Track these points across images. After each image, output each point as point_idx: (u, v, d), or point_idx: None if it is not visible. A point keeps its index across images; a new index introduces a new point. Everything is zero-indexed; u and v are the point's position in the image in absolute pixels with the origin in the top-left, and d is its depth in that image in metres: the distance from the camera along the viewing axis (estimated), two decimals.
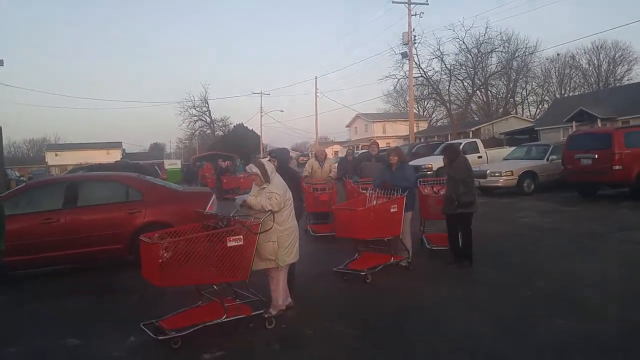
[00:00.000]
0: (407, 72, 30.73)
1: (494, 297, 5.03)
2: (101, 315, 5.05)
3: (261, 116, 51.14)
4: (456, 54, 38.63)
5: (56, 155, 64.16)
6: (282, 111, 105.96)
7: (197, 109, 59.52)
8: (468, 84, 41.06)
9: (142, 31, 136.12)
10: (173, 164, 35.11)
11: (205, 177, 21.69)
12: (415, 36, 28.30)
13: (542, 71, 46.15)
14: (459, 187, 5.97)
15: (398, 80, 36.47)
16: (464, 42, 36.97)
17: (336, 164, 11.58)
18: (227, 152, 28.81)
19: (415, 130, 33.08)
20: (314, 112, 43.95)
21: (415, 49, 30.01)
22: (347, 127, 65.30)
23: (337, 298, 5.26)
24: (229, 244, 4.18)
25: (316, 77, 43.94)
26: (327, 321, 4.55)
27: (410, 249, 6.21)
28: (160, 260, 3.94)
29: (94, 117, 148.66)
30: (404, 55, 29.62)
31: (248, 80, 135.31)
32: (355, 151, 14.99)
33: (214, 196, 7.68)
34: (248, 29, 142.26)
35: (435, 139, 34.74)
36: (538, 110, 47.30)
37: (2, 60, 27.51)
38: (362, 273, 5.64)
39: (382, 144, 21.66)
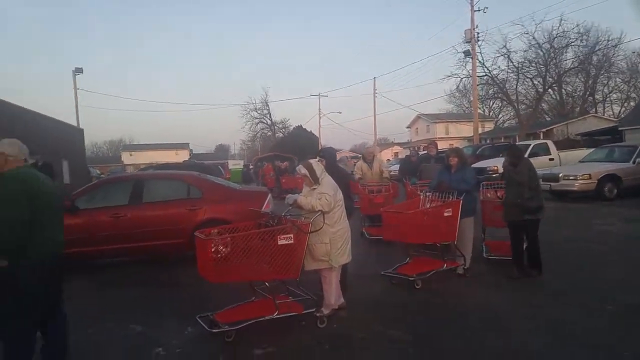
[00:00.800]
0: (470, 71, 29.61)
1: (567, 311, 4.62)
2: (162, 305, 5.32)
3: (319, 118, 51.52)
4: (525, 51, 35.82)
5: (130, 155, 68.53)
6: (340, 112, 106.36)
7: (259, 112, 61.17)
8: (538, 82, 38.10)
9: (211, 36, 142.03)
10: (236, 165, 36.40)
11: (265, 177, 22.20)
12: (478, 33, 27.10)
13: (627, 66, 41.24)
14: (524, 192, 5.58)
15: (461, 80, 34.94)
16: (534, 38, 34.36)
17: (394, 165, 11.41)
18: (286, 153, 29.33)
19: (480, 131, 31.80)
20: (373, 113, 43.55)
21: (479, 46, 28.86)
22: (407, 128, 64.16)
23: (389, 302, 5.15)
24: (279, 242, 4.23)
25: (374, 78, 43.53)
26: (379, 325, 4.46)
27: (468, 256, 5.95)
28: (217, 255, 4.07)
29: (165, 119, 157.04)
30: (467, 53, 28.56)
31: (307, 82, 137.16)
32: (419, 152, 14.62)
33: (269, 195, 7.83)
34: (306, 31, 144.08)
35: (502, 140, 33.16)
36: (623, 109, 42.89)
37: (81, 68, 30.03)
38: (411, 278, 5.49)
39: (444, 145, 21.03)
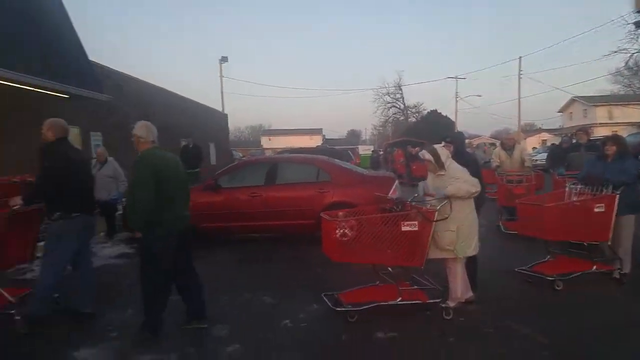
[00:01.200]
0: None
1: None
2: (290, 281, 5.61)
3: (456, 101, 49.08)
4: None
5: (269, 139, 73.49)
6: (480, 96, 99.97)
7: (391, 96, 60.60)
8: None
9: (346, 21, 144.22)
10: (366, 150, 36.63)
11: (395, 163, 21.93)
12: None
13: None
14: None
15: (631, 56, 30.18)
16: None
17: (541, 153, 10.35)
18: (418, 138, 28.60)
19: None
20: (517, 96, 39.97)
21: None
22: (559, 112, 57.55)
23: (523, 301, 4.75)
24: (403, 229, 4.16)
25: (520, 58, 39.57)
26: (510, 322, 4.15)
27: (627, 259, 5.21)
28: (343, 238, 4.16)
29: (301, 106, 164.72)
30: (638, 24, 24.50)
31: (443, 64, 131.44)
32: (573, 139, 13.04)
33: (396, 181, 7.74)
34: (441, 11, 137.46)
35: None
36: None
37: (226, 57, 32.77)
38: (550, 278, 4.95)
39: (605, 132, 18.42)
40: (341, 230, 4.16)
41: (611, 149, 5.34)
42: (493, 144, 21.18)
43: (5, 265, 4.55)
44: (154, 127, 4.05)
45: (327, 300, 4.51)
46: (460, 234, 4.28)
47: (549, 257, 5.46)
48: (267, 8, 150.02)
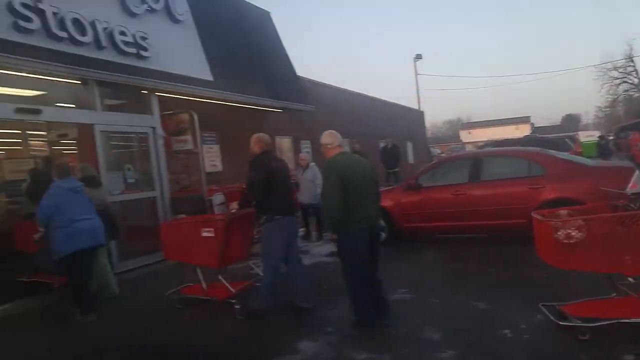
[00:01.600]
0: None
1: None
2: (504, 285, 5.18)
3: None
4: None
5: (469, 133, 70.03)
6: None
7: (620, 70, 50.98)
8: None
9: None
10: (590, 136, 31.50)
11: (632, 149, 18.31)
12: None
13: None
14: None
15: None
16: None
17: None
18: None
19: None
20: None
21: None
22: None
23: None
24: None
25: None
26: None
27: None
28: (568, 241, 3.60)
29: (503, 94, 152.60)
30: None
31: None
32: None
33: (637, 172, 6.40)
34: None
35: None
36: None
37: (421, 55, 32.50)
38: None
39: None
40: (564, 232, 3.60)
41: None
42: None
43: (227, 262, 5.19)
44: (338, 134, 4.34)
45: (546, 311, 3.99)
46: None
47: None
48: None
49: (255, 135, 5.01)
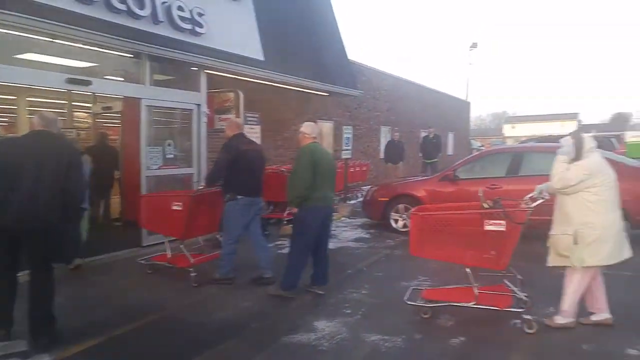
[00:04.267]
0: None
1: None
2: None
3: None
4: None
5: (512, 127, 67.86)
6: None
7: None
8: None
9: None
10: (637, 136, 29.94)
11: None
12: None
13: None
14: None
15: None
16: None
17: None
18: None
19: None
20: None
21: None
22: None
23: None
24: (486, 227, 3.89)
25: None
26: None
27: None
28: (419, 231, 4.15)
29: (554, 88, 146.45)
30: None
31: None
32: None
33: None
34: None
35: None
36: None
37: (476, 44, 31.66)
38: None
39: None
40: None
41: None
42: None
43: (192, 234, 5.68)
44: (316, 127, 5.04)
45: (409, 294, 4.50)
46: (580, 238, 3.71)
47: None
48: None
49: (229, 120, 5.79)
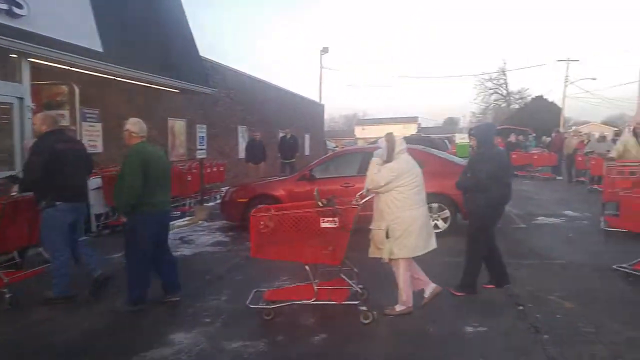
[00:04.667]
0: None
1: None
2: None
3: (565, 86, 44.71)
4: None
5: (363, 129, 73.23)
6: (595, 79, 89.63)
7: (494, 82, 57.00)
8: None
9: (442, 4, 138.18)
10: (464, 138, 34.76)
11: None
12: None
13: None
14: None
15: None
16: None
17: None
18: (521, 126, 26.71)
19: None
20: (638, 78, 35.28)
21: None
22: None
23: (614, 299, 4.47)
24: (322, 225, 4.04)
25: None
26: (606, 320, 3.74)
27: None
28: (263, 230, 4.17)
29: (397, 93, 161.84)
30: None
31: (552, 47, 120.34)
32: None
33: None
34: None
35: None
36: None
37: (327, 48, 33.12)
38: None
39: None
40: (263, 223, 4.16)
41: None
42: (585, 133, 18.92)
43: (8, 247, 4.92)
44: (143, 124, 4.53)
45: (250, 297, 4.42)
46: (391, 233, 4.05)
47: None
48: None
49: (42, 114, 4.92)
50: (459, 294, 4.62)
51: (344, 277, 4.39)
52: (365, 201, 4.23)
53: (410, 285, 4.23)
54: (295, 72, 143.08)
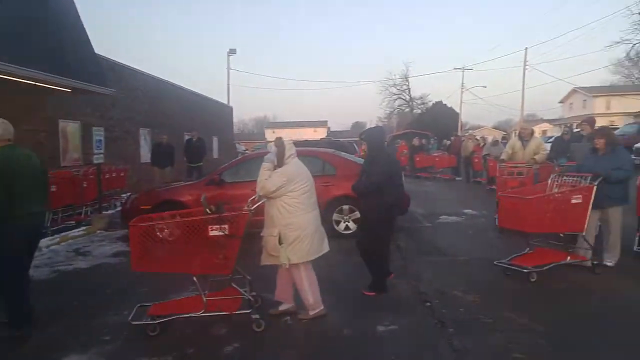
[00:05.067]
0: None
1: None
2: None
3: (462, 92, 48.54)
4: None
5: (273, 132, 73.09)
6: (485, 87, 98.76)
7: (397, 87, 60.07)
8: None
9: (349, 11, 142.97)
10: None
11: (399, 155, 21.74)
12: None
13: None
14: None
15: (633, 46, 30.08)
16: None
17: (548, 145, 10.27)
18: (423, 130, 28.41)
19: None
20: (521, 87, 39.44)
21: None
22: (560, 103, 57.54)
23: (495, 292, 4.88)
24: (210, 233, 3.88)
25: (526, 49, 38.92)
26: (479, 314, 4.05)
27: (614, 251, 5.43)
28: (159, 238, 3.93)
29: (307, 98, 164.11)
30: None
31: (451, 55, 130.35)
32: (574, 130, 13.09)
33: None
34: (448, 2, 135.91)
35: None
36: None
37: (235, 50, 32.54)
38: (525, 270, 5.00)
39: (603, 122, 18.17)
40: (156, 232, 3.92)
41: (600, 142, 5.38)
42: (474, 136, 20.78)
43: None
44: (10, 125, 3.98)
45: (133, 313, 4.14)
46: (284, 238, 3.98)
47: (528, 249, 5.47)
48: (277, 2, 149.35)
49: None
50: (370, 293, 4.72)
51: (235, 286, 4.21)
52: (256, 207, 4.10)
53: (317, 286, 4.19)
54: (204, 74, 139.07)
